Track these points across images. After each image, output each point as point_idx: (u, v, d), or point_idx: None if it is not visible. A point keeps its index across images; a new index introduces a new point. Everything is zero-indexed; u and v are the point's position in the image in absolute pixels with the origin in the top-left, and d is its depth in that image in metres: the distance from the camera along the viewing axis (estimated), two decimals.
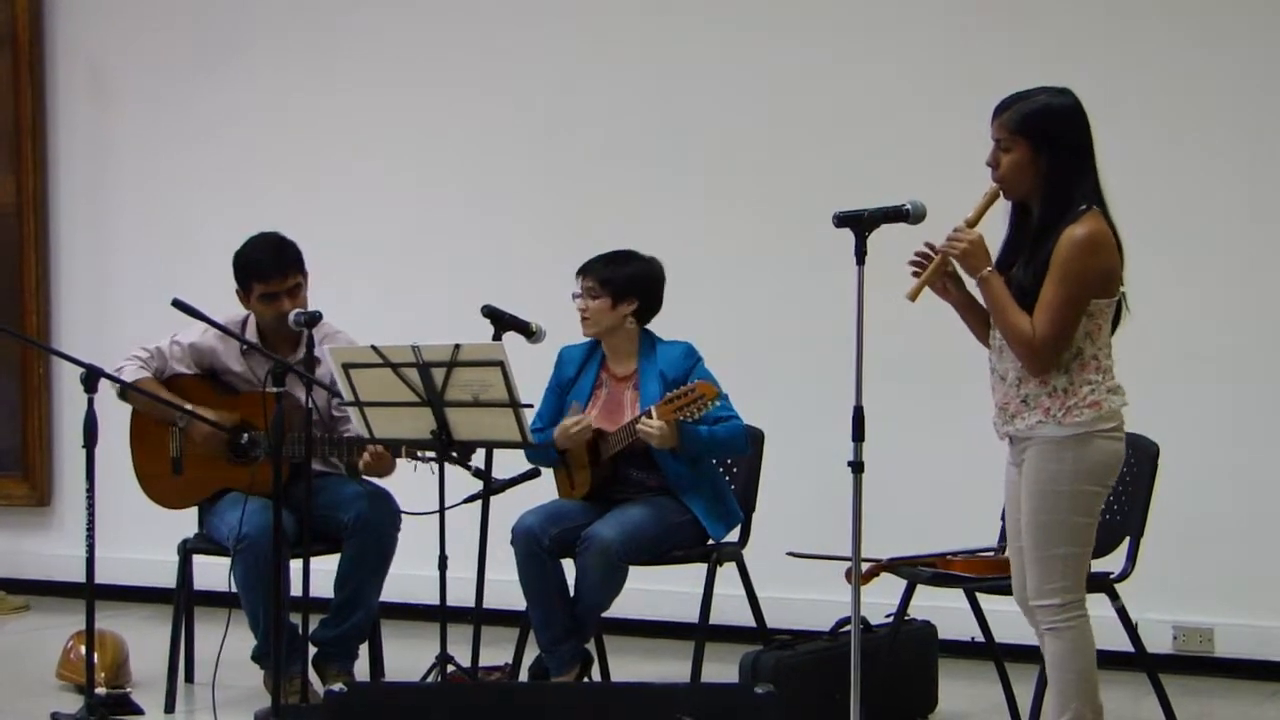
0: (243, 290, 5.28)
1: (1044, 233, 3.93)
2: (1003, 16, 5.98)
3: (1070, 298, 3.87)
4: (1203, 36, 5.75)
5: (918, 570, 4.78)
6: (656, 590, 5.71)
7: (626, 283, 5.12)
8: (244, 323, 5.32)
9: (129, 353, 5.30)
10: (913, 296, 4.04)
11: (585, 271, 5.13)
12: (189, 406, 5.14)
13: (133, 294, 7.23)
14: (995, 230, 4.05)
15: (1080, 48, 5.82)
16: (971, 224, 4.00)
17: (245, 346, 5.21)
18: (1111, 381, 3.97)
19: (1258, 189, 5.71)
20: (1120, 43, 5.83)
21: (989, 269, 3.96)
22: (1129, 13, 5.83)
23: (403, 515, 5.24)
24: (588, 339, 5.23)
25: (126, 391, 5.20)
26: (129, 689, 5.29)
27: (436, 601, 4.65)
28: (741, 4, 6.39)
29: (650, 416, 4.88)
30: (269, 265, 5.21)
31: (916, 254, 4.07)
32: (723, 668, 5.16)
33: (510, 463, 5.07)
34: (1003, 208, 4.06)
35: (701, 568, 5.08)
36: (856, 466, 3.98)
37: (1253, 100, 5.69)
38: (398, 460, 5.03)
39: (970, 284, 4.07)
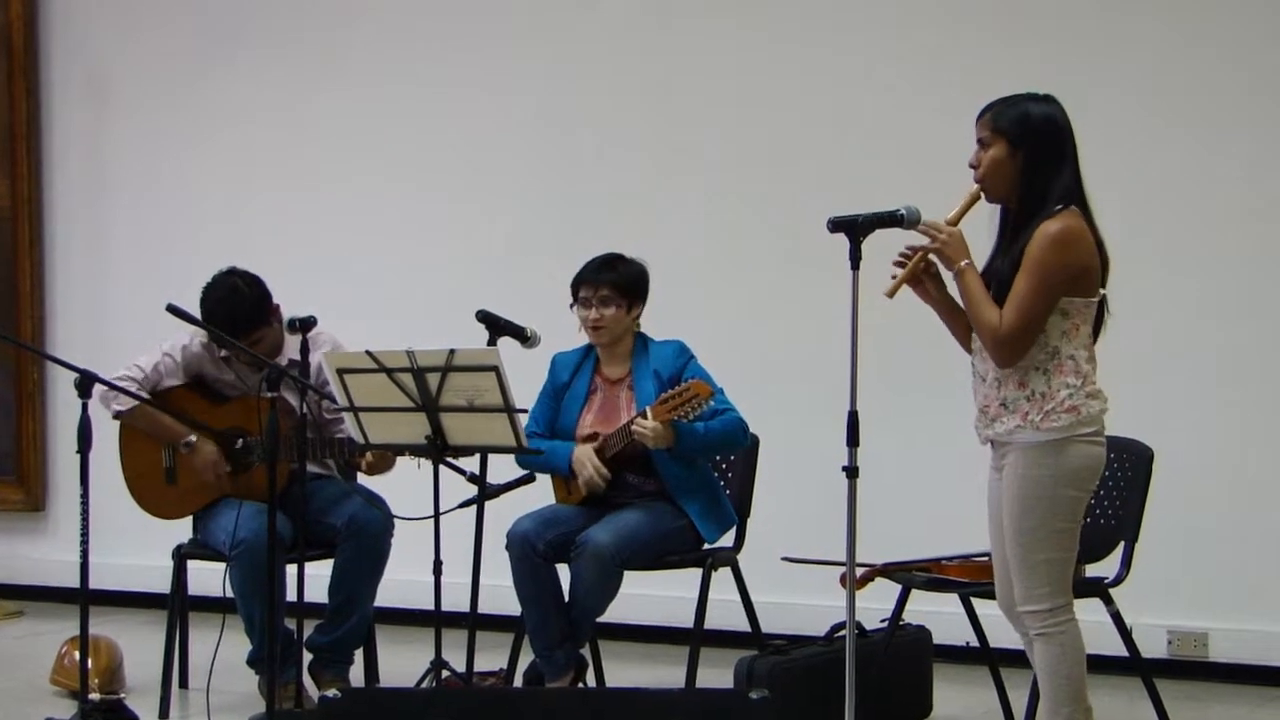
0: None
1: (1020, 228, 3.95)
2: (1001, 19, 5.99)
3: (1038, 291, 3.87)
4: (1201, 36, 5.75)
5: (912, 575, 4.78)
6: (651, 595, 5.71)
7: (636, 286, 5.13)
8: None
9: (120, 371, 5.24)
10: (891, 294, 4.05)
11: (593, 281, 5.09)
12: (192, 437, 5.15)
13: (128, 298, 7.22)
14: (978, 236, 4.05)
15: (1078, 49, 5.82)
16: (952, 223, 4.02)
17: (238, 348, 5.19)
18: (1091, 386, 3.96)
19: (1256, 189, 5.71)
20: (1118, 44, 5.83)
21: (966, 261, 3.97)
22: (1126, 14, 5.84)
23: (397, 520, 5.24)
24: (581, 344, 5.23)
25: (124, 413, 5.20)
26: (123, 695, 5.26)
27: (431, 607, 4.65)
28: (741, 6, 6.39)
29: (645, 417, 4.88)
30: (230, 331, 5.06)
31: (901, 254, 4.08)
32: (718, 673, 5.15)
33: (505, 468, 5.07)
34: (989, 218, 4.06)
35: (696, 572, 5.07)
36: (851, 471, 3.97)
37: (1250, 99, 5.69)
38: (399, 458, 5.03)
39: (951, 286, 4.07)
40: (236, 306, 5.15)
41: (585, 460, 5.03)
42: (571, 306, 5.14)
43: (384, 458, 5.07)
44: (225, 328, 5.05)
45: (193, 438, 5.19)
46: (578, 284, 5.13)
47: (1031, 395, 3.94)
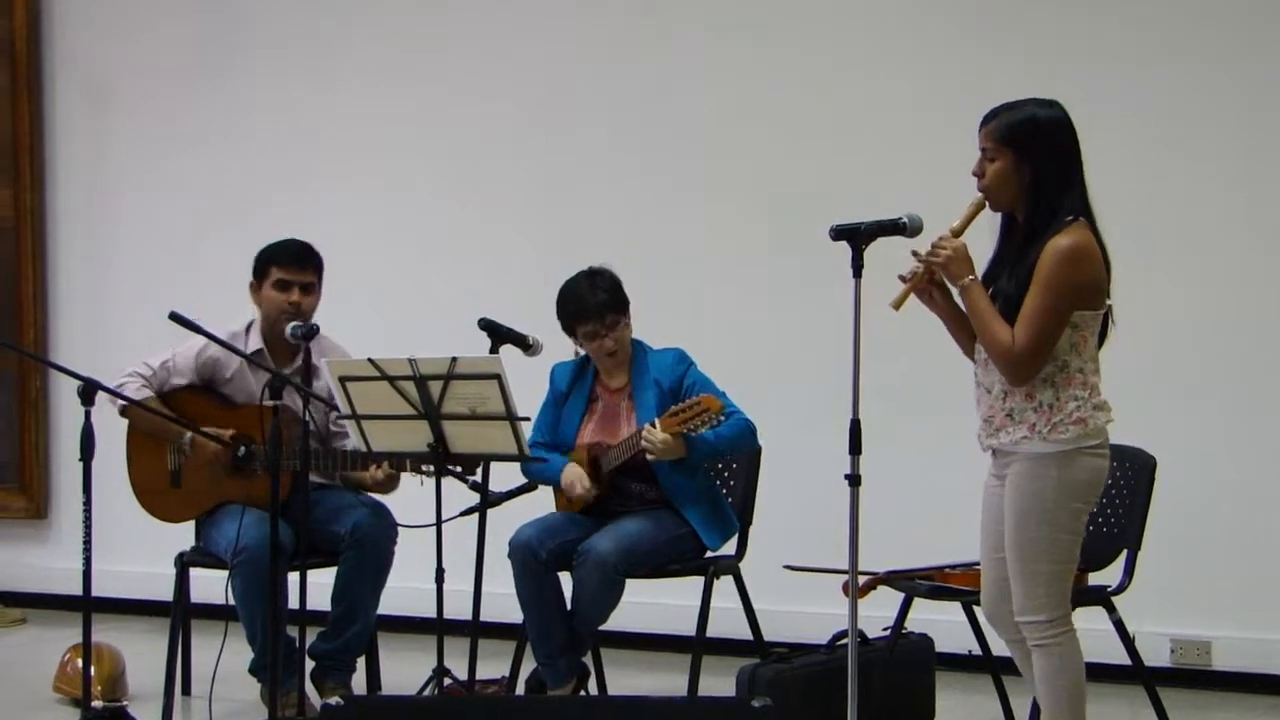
0: (257, 279, 5.30)
1: (1029, 242, 3.93)
2: (1001, 28, 5.99)
3: (1051, 307, 3.86)
4: (1196, 45, 5.76)
5: (915, 583, 4.78)
6: (654, 603, 5.70)
7: (623, 295, 5.14)
8: (247, 330, 5.32)
9: (129, 368, 5.28)
10: (896, 305, 4.04)
11: (595, 314, 5.05)
12: (190, 435, 5.15)
13: (130, 306, 7.22)
14: (981, 242, 4.05)
15: (1075, 57, 5.82)
16: (956, 233, 4.00)
17: (246, 358, 5.20)
18: (1098, 398, 3.95)
19: (1253, 199, 5.71)
20: (1114, 52, 5.84)
21: (970, 277, 3.95)
22: (1123, 23, 5.85)
23: (400, 528, 5.24)
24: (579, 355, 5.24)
25: (129, 409, 5.20)
26: (125, 702, 5.28)
27: (434, 614, 4.65)
28: (741, 13, 6.39)
29: (653, 428, 4.87)
30: (290, 255, 5.28)
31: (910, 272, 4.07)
32: (720, 681, 5.15)
33: (508, 476, 5.07)
34: (990, 220, 4.06)
35: (699, 581, 5.07)
36: (853, 479, 3.97)
37: (1246, 108, 5.70)
38: (403, 475, 5.04)
39: (955, 294, 4.07)
40: (310, 246, 5.35)
41: (575, 481, 5.04)
42: (577, 347, 5.13)
43: (391, 479, 5.09)
44: (295, 253, 5.30)
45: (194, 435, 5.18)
46: (575, 323, 5.10)
47: (1039, 406, 3.92)
